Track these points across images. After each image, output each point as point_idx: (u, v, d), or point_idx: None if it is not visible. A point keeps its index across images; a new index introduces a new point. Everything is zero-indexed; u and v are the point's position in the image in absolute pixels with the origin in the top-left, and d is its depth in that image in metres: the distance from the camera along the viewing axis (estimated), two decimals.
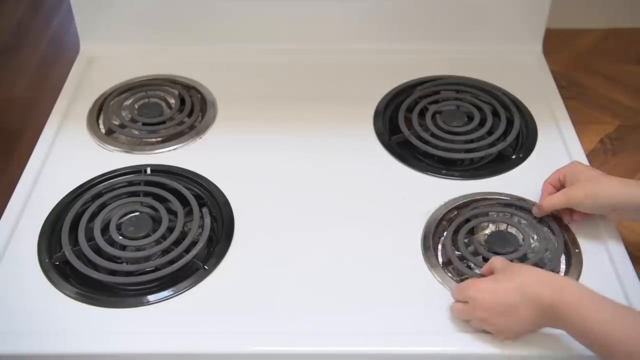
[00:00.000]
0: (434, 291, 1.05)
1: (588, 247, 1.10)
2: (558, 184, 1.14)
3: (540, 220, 1.14)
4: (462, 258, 1.09)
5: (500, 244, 1.10)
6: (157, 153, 1.29)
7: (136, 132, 1.34)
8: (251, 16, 1.48)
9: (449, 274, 1.08)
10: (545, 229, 1.13)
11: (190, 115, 1.37)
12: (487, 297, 0.95)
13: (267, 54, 1.49)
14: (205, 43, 1.52)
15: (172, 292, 1.04)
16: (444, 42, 1.51)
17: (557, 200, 1.10)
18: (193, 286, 1.05)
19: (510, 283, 0.94)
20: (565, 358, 0.98)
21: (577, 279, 1.07)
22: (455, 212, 1.17)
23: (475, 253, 1.10)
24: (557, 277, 0.98)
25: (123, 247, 1.11)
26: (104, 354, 0.99)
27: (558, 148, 1.28)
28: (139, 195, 1.19)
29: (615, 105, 1.44)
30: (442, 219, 1.15)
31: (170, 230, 1.12)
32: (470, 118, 1.32)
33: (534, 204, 1.15)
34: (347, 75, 1.46)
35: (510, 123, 1.31)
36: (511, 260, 1.04)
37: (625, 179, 1.07)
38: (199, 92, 1.43)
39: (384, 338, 1.00)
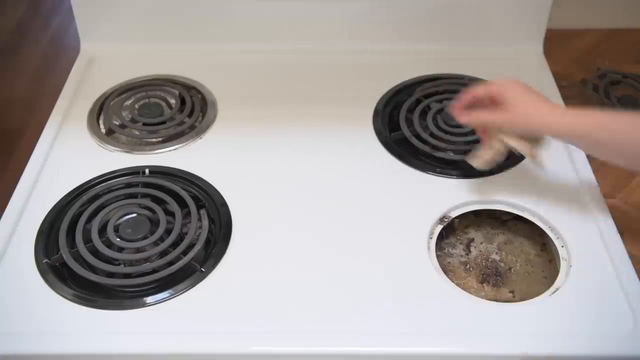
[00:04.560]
0: (434, 290, 1.05)
1: (587, 248, 1.10)
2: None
3: None
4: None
5: None
6: (157, 153, 1.29)
7: (136, 132, 1.34)
8: (251, 16, 1.48)
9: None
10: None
11: (190, 115, 1.37)
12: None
13: (267, 54, 1.49)
14: (205, 43, 1.52)
15: (169, 294, 1.04)
16: (443, 42, 1.51)
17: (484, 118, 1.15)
18: (190, 288, 1.05)
19: None
20: (566, 358, 0.98)
21: (576, 280, 1.07)
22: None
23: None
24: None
25: (121, 249, 1.11)
26: (101, 354, 0.99)
27: (558, 148, 1.28)
28: (136, 197, 1.19)
29: None
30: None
31: (168, 232, 1.13)
32: None
33: None
34: (347, 75, 1.46)
35: None
36: None
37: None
38: (199, 92, 1.43)
39: (384, 338, 1.00)
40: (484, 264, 1.15)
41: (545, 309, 1.03)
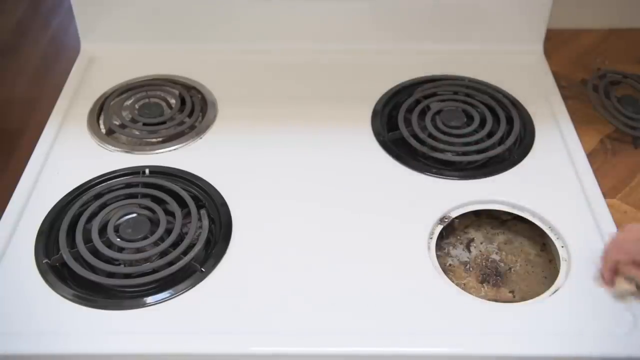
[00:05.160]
0: (434, 290, 1.05)
1: (587, 248, 1.10)
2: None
3: None
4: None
5: None
6: (157, 153, 1.29)
7: (137, 132, 1.34)
8: (251, 16, 1.48)
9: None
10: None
11: (190, 115, 1.37)
12: None
13: (267, 54, 1.49)
14: (205, 43, 1.52)
15: (169, 294, 1.04)
16: (444, 42, 1.51)
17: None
18: (191, 288, 1.05)
19: None
20: (566, 358, 0.99)
21: (576, 280, 1.07)
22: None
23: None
24: None
25: (121, 249, 1.11)
26: (101, 354, 0.99)
27: (558, 148, 1.28)
28: (137, 197, 1.19)
29: None
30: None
31: (168, 232, 1.13)
32: (470, 119, 1.33)
33: None
34: (347, 75, 1.46)
35: (510, 126, 1.31)
36: None
37: None
38: (199, 92, 1.43)
39: (384, 338, 1.00)
40: (484, 264, 1.15)
41: (545, 309, 1.03)
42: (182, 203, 1.16)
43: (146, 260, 1.10)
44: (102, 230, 1.13)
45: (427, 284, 1.06)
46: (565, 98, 1.39)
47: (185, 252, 1.09)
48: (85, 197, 1.18)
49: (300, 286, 1.06)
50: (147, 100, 1.41)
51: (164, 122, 1.35)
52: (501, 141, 1.29)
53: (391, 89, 1.41)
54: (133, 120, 1.36)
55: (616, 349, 0.98)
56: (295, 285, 1.06)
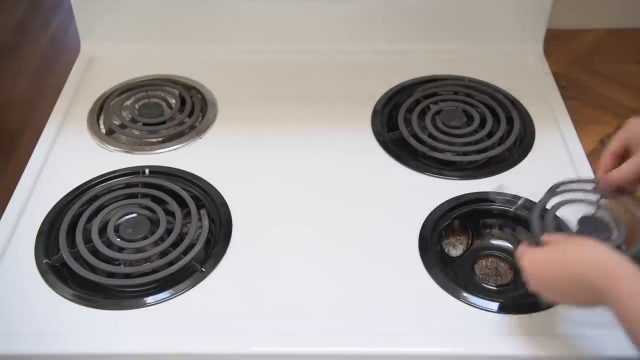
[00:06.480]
0: (432, 291, 1.05)
1: None
2: (622, 151, 1.01)
3: None
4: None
5: None
6: (157, 153, 1.29)
7: (136, 132, 1.34)
8: (251, 16, 1.49)
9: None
10: None
11: (190, 115, 1.37)
12: (536, 272, 0.91)
13: (267, 54, 1.49)
14: (205, 43, 1.52)
15: (169, 294, 1.04)
16: (444, 42, 1.51)
17: (626, 170, 0.98)
18: (191, 288, 1.05)
19: (560, 258, 0.89)
20: (566, 358, 0.98)
21: None
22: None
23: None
24: (610, 259, 0.84)
25: (121, 249, 1.11)
26: (101, 354, 0.99)
27: (558, 148, 1.28)
28: (137, 197, 1.19)
29: (615, 105, 1.43)
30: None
31: (169, 232, 1.13)
32: (470, 119, 1.33)
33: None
34: (347, 75, 1.46)
35: (510, 126, 1.31)
36: None
37: None
38: (199, 92, 1.43)
39: (383, 338, 1.00)
40: (483, 264, 1.15)
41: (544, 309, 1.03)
42: (182, 203, 1.16)
43: (146, 260, 1.10)
44: (102, 230, 1.13)
45: (427, 284, 1.06)
46: (565, 98, 1.39)
47: (185, 252, 1.09)
48: (85, 197, 1.18)
49: (299, 286, 1.06)
50: (147, 100, 1.41)
51: (164, 122, 1.35)
52: (501, 141, 1.29)
53: (391, 89, 1.41)
54: (133, 120, 1.36)
55: (616, 349, 0.98)
56: (294, 285, 1.06)
